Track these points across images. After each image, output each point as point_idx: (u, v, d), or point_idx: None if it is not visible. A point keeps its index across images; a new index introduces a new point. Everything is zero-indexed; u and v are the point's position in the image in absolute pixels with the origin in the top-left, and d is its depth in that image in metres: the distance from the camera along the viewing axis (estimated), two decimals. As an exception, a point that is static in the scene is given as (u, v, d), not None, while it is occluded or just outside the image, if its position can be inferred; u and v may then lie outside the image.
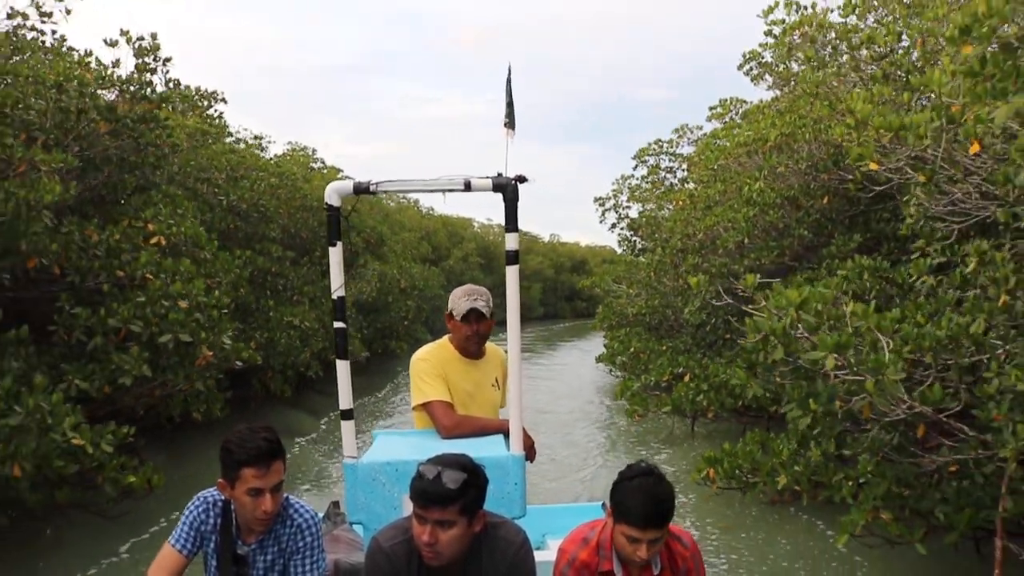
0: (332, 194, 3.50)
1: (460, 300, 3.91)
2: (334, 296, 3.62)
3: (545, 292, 48.30)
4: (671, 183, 15.79)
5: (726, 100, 13.39)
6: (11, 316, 6.28)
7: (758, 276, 5.57)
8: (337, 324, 3.66)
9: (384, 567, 2.70)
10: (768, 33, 8.68)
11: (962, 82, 4.11)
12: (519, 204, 3.45)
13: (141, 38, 8.68)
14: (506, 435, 3.70)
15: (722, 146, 10.96)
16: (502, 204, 3.47)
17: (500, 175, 3.44)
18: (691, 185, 14.27)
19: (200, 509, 2.89)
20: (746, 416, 9.87)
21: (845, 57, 7.53)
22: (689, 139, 17.15)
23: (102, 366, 6.47)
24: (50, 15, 8.22)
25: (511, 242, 3.47)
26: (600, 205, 18.67)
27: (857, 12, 7.84)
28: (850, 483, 5.42)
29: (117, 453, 5.88)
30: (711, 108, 13.74)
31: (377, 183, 3.44)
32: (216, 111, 14.31)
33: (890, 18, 8.09)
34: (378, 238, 20.31)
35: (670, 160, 16.33)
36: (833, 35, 7.64)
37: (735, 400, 9.06)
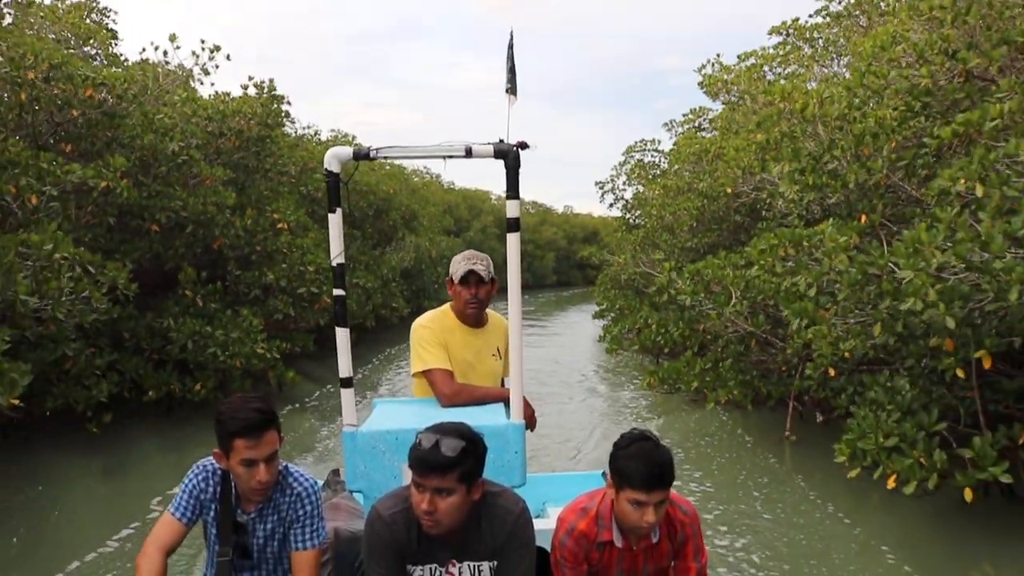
0: (332, 160, 3.41)
1: (459, 263, 3.86)
2: (333, 263, 3.52)
3: (558, 261, 51.88)
4: (654, 175, 19.25)
5: (696, 109, 16.86)
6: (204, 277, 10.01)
7: (665, 253, 9.14)
8: (336, 291, 3.54)
9: (384, 535, 2.72)
10: (700, 83, 12.25)
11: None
12: (520, 170, 3.35)
13: (263, 82, 12.30)
14: (506, 404, 3.64)
15: (681, 152, 14.50)
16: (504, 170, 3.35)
17: (502, 141, 3.33)
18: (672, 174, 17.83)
19: (200, 478, 2.90)
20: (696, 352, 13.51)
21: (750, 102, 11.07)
22: (676, 132, 20.64)
23: (261, 308, 10.21)
24: (208, 72, 11.90)
25: (512, 209, 3.37)
26: (600, 188, 22.21)
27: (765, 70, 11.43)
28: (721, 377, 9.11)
29: (280, 359, 9.63)
30: (684, 115, 17.24)
31: (377, 149, 3.36)
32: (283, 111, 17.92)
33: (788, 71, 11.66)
34: (411, 214, 24.03)
35: (653, 155, 19.82)
36: (742, 86, 11.19)
37: (683, 340, 12.69)
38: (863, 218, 6.79)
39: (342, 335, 3.53)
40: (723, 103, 13.49)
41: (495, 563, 2.78)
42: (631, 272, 17.16)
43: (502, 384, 4.00)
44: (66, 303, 6.84)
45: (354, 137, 25.22)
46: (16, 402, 5.71)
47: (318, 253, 10.79)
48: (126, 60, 13.81)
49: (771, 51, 12.55)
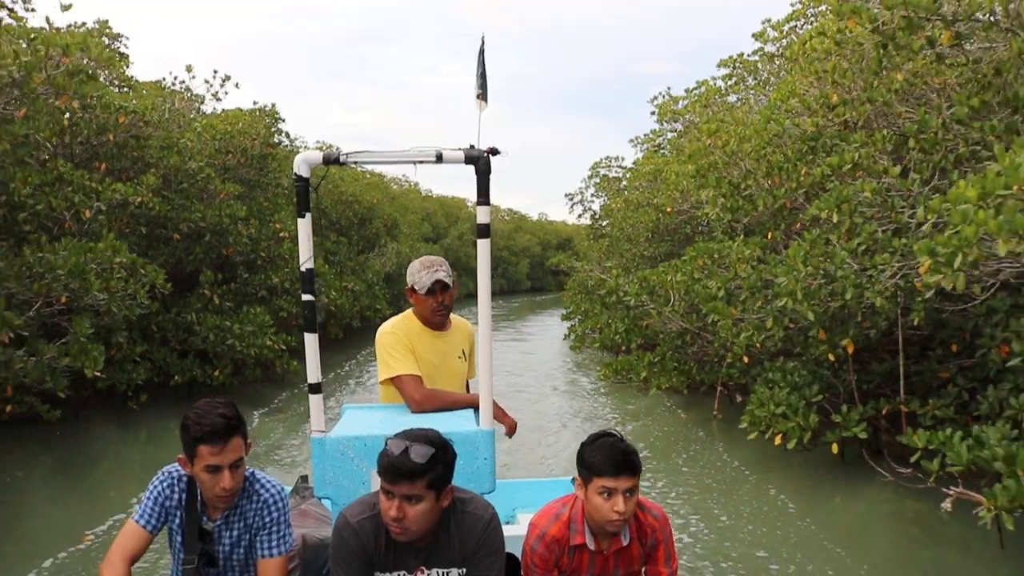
0: (301, 164, 3.35)
1: (421, 273, 3.87)
2: (302, 268, 3.46)
3: (532, 267, 53.56)
4: (618, 188, 20.91)
5: (656, 129, 18.52)
6: (219, 278, 11.49)
7: (626, 260, 10.77)
8: (305, 296, 3.49)
9: (351, 542, 2.71)
10: (653, 113, 13.94)
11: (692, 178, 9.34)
12: (491, 176, 3.33)
13: (266, 105, 13.81)
14: (476, 410, 3.64)
15: (639, 171, 16.17)
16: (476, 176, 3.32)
17: (472, 147, 3.33)
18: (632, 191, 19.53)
19: (165, 484, 2.86)
20: (647, 348, 15.18)
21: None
22: (641, 148, 22.33)
23: (268, 306, 11.72)
24: (220, 99, 13.40)
25: (482, 215, 3.37)
26: (569, 199, 23.84)
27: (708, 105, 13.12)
28: (664, 368, 10.73)
29: (286, 351, 11.15)
30: (645, 134, 18.91)
31: (347, 153, 3.34)
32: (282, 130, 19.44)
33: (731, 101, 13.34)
34: (393, 222, 25.58)
35: (617, 171, 21.50)
36: (689, 115, 12.87)
37: (640, 338, 14.35)
38: (769, 235, 8.44)
39: (311, 340, 3.47)
40: (671, 131, 15.19)
41: (464, 570, 2.79)
42: (596, 278, 18.87)
43: (467, 387, 4.12)
44: (118, 299, 8.31)
45: (337, 148, 26.71)
46: (99, 373, 7.21)
47: (318, 260, 12.34)
48: (135, 80, 15.24)
49: (719, 83, 14.25)
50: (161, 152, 10.73)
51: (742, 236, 8.29)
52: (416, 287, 3.85)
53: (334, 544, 2.78)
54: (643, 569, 3.08)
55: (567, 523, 2.93)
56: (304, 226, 3.40)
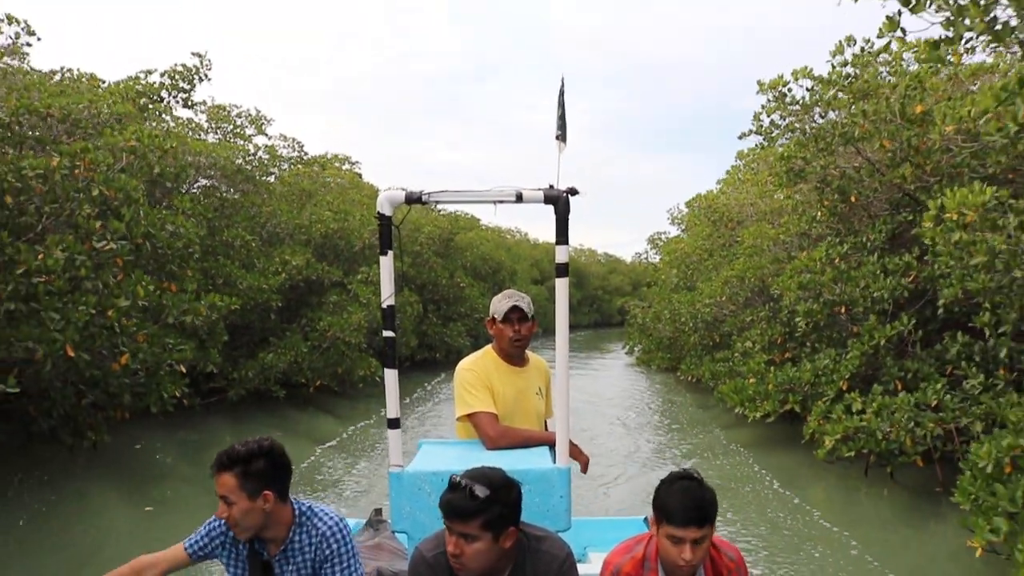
0: (384, 203, 3.40)
1: (501, 302, 3.98)
2: (383, 305, 3.52)
3: (624, 303, 63.35)
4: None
5: (692, 200, 28.38)
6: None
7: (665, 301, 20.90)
8: (386, 333, 3.54)
9: None
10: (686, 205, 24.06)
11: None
12: (570, 217, 3.38)
13: (456, 213, 24.40)
14: (551, 447, 3.66)
15: (679, 241, 26.16)
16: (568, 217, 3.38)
17: (552, 187, 3.38)
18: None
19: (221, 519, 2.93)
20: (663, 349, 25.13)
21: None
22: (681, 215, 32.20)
23: (459, 322, 22.24)
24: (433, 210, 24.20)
25: (560, 255, 3.39)
26: (638, 256, 33.92)
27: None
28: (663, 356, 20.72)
29: (469, 345, 21.64)
30: (687, 203, 28.74)
31: (429, 193, 3.39)
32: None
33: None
34: (513, 271, 36.10)
35: (663, 240, 31.47)
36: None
37: (645, 340, 24.27)
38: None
39: (390, 376, 3.55)
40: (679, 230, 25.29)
41: None
42: (652, 316, 28.88)
43: (544, 425, 4.18)
44: (409, 312, 18.68)
45: (421, 190, 37.34)
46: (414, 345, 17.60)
47: (483, 300, 22.88)
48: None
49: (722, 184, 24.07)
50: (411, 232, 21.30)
51: (685, 289, 18.24)
52: (495, 314, 3.98)
53: None
54: None
55: (641, 561, 2.91)
56: (386, 264, 3.48)
